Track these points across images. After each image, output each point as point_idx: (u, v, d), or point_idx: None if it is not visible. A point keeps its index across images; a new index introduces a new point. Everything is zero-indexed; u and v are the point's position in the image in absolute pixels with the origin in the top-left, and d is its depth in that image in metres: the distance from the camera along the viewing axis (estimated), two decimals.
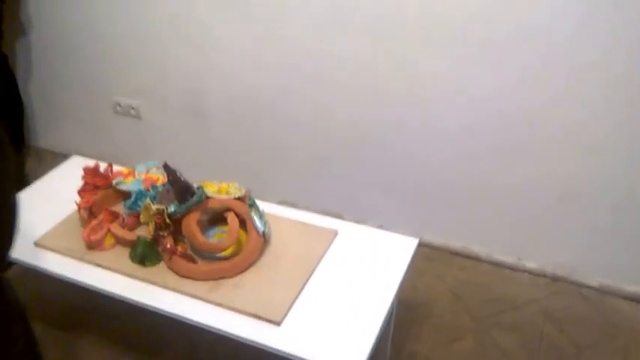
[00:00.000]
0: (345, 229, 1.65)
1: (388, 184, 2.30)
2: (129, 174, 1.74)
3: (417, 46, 1.96)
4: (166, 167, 1.49)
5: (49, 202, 1.74)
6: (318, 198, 2.48)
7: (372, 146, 2.24)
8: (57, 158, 3.06)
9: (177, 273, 1.47)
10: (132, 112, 2.70)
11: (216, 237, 1.58)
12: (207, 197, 1.52)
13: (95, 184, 1.67)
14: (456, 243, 2.32)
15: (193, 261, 1.48)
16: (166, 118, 2.62)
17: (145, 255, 1.49)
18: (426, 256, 2.32)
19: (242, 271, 1.48)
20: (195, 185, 1.55)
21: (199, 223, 1.52)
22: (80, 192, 1.66)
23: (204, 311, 1.39)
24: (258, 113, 2.39)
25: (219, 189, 1.58)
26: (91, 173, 1.66)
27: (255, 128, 2.43)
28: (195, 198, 1.47)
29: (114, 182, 1.70)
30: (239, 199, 1.56)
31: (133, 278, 1.48)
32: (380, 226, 1.93)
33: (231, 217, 1.49)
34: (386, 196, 2.33)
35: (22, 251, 1.57)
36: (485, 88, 1.94)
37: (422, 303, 2.14)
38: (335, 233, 1.62)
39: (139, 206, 1.58)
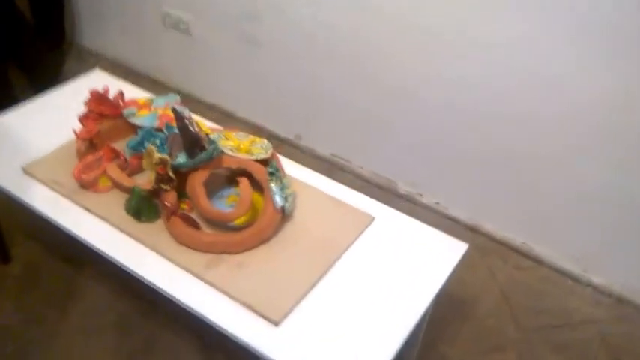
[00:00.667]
0: (385, 215, 1.34)
1: (452, 158, 1.95)
2: (144, 106, 1.48)
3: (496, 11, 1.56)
4: (175, 111, 1.22)
5: (52, 120, 1.52)
6: (373, 159, 2.17)
7: (439, 114, 1.89)
8: (101, 61, 2.87)
9: (174, 237, 1.23)
10: (181, 26, 2.41)
11: (230, 200, 1.32)
12: (221, 154, 1.25)
13: (101, 112, 1.41)
14: (516, 238, 1.98)
15: (195, 226, 1.23)
16: (217, 40, 2.32)
17: (141, 209, 1.25)
18: (481, 247, 1.99)
19: (249, 248, 1.22)
20: (211, 137, 1.28)
21: (213, 179, 1.26)
22: (82, 119, 1.41)
23: (193, 291, 1.14)
24: (317, 54, 2.06)
25: (239, 145, 1.30)
26: (96, 99, 1.40)
27: (311, 70, 2.11)
28: (203, 154, 1.20)
29: (125, 113, 1.45)
30: (262, 161, 1.28)
31: (123, 233, 1.25)
32: (436, 204, 1.61)
33: (243, 185, 1.21)
34: (447, 170, 1.99)
35: (7, 176, 1.37)
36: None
37: (465, 299, 1.84)
38: (371, 219, 1.33)
39: (145, 148, 1.33)
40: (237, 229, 1.24)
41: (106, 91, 1.42)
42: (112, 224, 1.26)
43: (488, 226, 2.01)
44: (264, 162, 1.29)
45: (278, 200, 1.21)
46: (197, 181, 1.22)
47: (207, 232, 1.22)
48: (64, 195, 1.32)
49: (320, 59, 2.06)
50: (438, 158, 1.98)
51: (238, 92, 2.40)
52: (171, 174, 1.22)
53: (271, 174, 1.23)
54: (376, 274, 1.21)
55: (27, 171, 1.38)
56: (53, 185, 1.34)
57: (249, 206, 1.20)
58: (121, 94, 1.44)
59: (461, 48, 1.72)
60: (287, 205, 1.25)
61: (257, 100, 2.36)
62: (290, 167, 1.44)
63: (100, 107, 1.40)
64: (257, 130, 2.40)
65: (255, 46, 2.21)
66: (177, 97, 1.52)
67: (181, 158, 1.23)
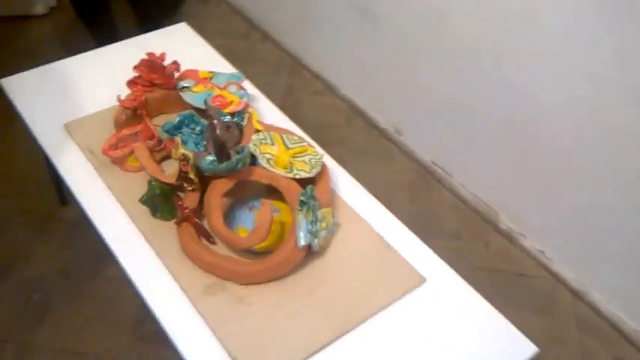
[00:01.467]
0: (444, 280, 1.06)
1: (576, 205, 1.58)
2: (203, 80, 1.30)
3: None
4: (208, 106, 1.02)
5: (113, 75, 1.39)
6: (477, 179, 1.84)
7: (572, 147, 1.51)
8: (221, 5, 2.75)
9: (181, 246, 1.05)
10: None
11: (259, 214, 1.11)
12: (249, 165, 1.03)
13: (152, 80, 1.25)
14: (629, 321, 1.57)
15: (208, 239, 1.05)
16: (334, 8, 2.08)
17: (156, 205, 1.08)
18: (581, 320, 1.61)
19: (258, 282, 1.01)
20: (252, 141, 1.07)
21: (248, 184, 1.06)
22: (130, 83, 1.26)
23: (180, 318, 0.97)
24: (430, 42, 1.74)
25: (280, 155, 1.07)
26: (147, 65, 1.24)
27: (422, 59, 1.80)
28: (224, 165, 0.99)
29: (179, 85, 1.28)
30: (304, 180, 1.05)
31: (133, 224, 1.10)
32: (540, 251, 1.28)
33: (264, 209, 0.99)
34: (565, 216, 1.62)
35: (47, 130, 1.27)
36: None
37: None
38: (421, 280, 1.06)
39: (181, 133, 1.16)
40: (256, 253, 1.04)
41: (162, 57, 1.25)
42: (126, 211, 1.12)
43: (597, 296, 1.61)
44: (308, 181, 1.06)
45: (302, 237, 0.98)
46: (216, 192, 1.02)
47: (212, 251, 1.03)
48: (93, 164, 1.20)
49: (432, 49, 1.74)
50: (557, 200, 1.61)
51: (346, 67, 2.15)
52: (192, 175, 1.04)
53: (302, 203, 0.99)
54: (408, 354, 0.95)
55: (67, 129, 1.27)
56: (86, 152, 1.22)
57: (265, 235, 0.99)
58: (176, 64, 1.27)
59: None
60: (315, 242, 1.02)
61: (363, 79, 2.10)
62: (346, 189, 1.19)
63: (151, 75, 1.24)
64: (357, 113, 2.15)
65: (369, 22, 1.94)
66: (241, 78, 1.32)
67: (208, 160, 1.03)
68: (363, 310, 1.00)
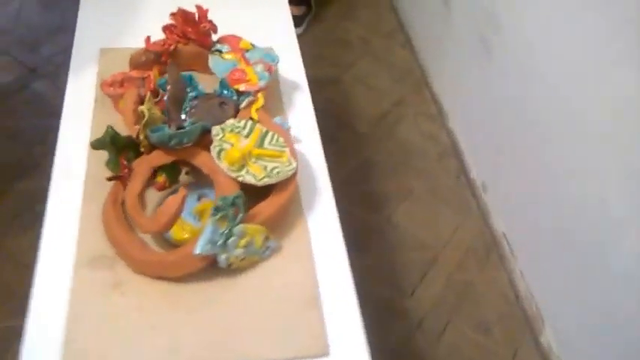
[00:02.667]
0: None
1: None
2: (238, 50, 1.20)
3: None
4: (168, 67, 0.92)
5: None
6: (537, 274, 1.52)
7: None
8: None
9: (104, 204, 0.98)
10: None
11: (203, 206, 0.99)
12: (192, 145, 0.91)
13: (186, 33, 1.19)
14: None
15: (139, 217, 0.96)
16: (467, 34, 1.84)
17: (109, 154, 1.02)
18: None
19: (147, 275, 0.90)
20: (203, 123, 0.95)
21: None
22: (165, 28, 1.20)
23: (44, 272, 0.90)
24: (540, 96, 1.45)
25: (235, 149, 0.94)
26: (183, 16, 1.17)
27: (531, 112, 1.51)
28: (156, 135, 0.89)
29: (213, 46, 1.19)
30: (256, 188, 0.91)
31: (85, 160, 1.04)
32: None
33: (173, 199, 0.87)
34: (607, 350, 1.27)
35: (83, 50, 1.27)
36: None
37: None
38: (323, 352, 0.86)
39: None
40: (175, 245, 0.93)
41: (203, 12, 1.17)
42: (89, 151, 1.06)
43: None
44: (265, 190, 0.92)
45: (199, 245, 0.84)
46: (144, 162, 0.92)
47: (123, 223, 0.93)
48: (95, 96, 1.17)
49: (540, 105, 1.44)
50: (618, 340, 1.25)
51: (464, 101, 1.91)
52: (141, 136, 0.95)
53: (217, 209, 0.85)
54: None
55: (101, 54, 1.26)
56: (99, 81, 1.20)
57: (164, 225, 0.87)
58: (212, 24, 1.18)
59: None
60: (223, 257, 0.87)
61: (475, 122, 1.84)
62: (320, 223, 1.02)
63: (185, 27, 1.18)
64: (453, 153, 1.90)
65: (485, 49, 1.67)
66: (275, 59, 1.19)
67: (161, 126, 0.94)
68: (239, 354, 0.85)
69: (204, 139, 0.97)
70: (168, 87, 0.93)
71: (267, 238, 0.93)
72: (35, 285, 0.90)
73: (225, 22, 1.32)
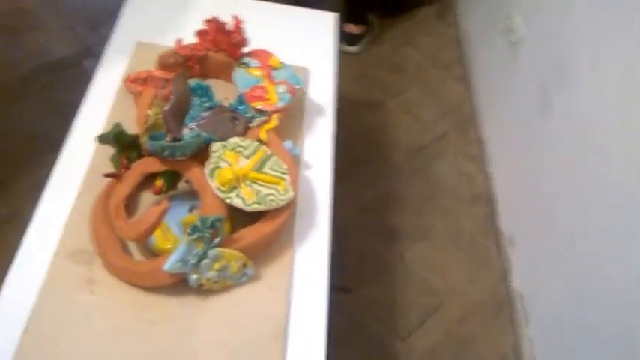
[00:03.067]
0: None
1: None
2: (266, 66, 1.18)
3: None
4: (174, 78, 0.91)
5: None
6: (550, 345, 1.43)
7: None
8: (451, 28, 2.51)
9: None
10: (512, 37, 1.90)
11: (190, 219, 0.98)
12: (188, 159, 0.90)
13: (217, 42, 1.18)
14: None
15: (119, 220, 0.95)
16: (524, 77, 1.76)
17: (114, 150, 1.02)
18: None
19: (120, 279, 0.89)
20: (202, 136, 0.94)
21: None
22: (199, 33, 1.20)
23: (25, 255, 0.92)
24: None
25: (230, 170, 0.92)
26: (216, 25, 1.17)
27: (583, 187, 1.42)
28: (150, 143, 0.88)
29: (241, 59, 1.19)
30: (245, 213, 0.89)
31: (91, 152, 1.06)
32: None
33: (154, 210, 0.86)
34: None
35: (121, 41, 1.29)
36: None
37: None
38: None
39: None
40: (156, 253, 0.93)
41: (237, 23, 1.17)
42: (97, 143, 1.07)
43: None
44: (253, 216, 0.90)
45: (169, 261, 0.83)
46: (138, 168, 0.92)
47: (107, 222, 0.93)
48: (118, 90, 1.19)
49: (593, 174, 1.35)
50: None
51: (509, 147, 1.83)
52: (143, 139, 0.95)
53: (194, 229, 0.84)
54: None
55: (136, 47, 1.28)
56: (131, 69, 1.21)
57: (141, 233, 0.86)
58: (242, 37, 1.17)
59: None
60: (194, 277, 0.86)
61: (517, 173, 1.76)
62: (305, 256, 1.00)
63: (218, 36, 1.17)
64: (486, 199, 1.82)
65: (544, 101, 1.59)
66: (300, 83, 1.17)
67: (152, 136, 0.93)
68: None
69: (203, 153, 0.96)
70: (171, 97, 0.93)
71: (244, 265, 0.91)
72: (13, 267, 0.91)
73: (265, 35, 1.31)
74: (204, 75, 1.24)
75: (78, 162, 1.05)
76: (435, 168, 1.88)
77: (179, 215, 0.97)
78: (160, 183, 1.00)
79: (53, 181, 1.03)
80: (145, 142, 0.91)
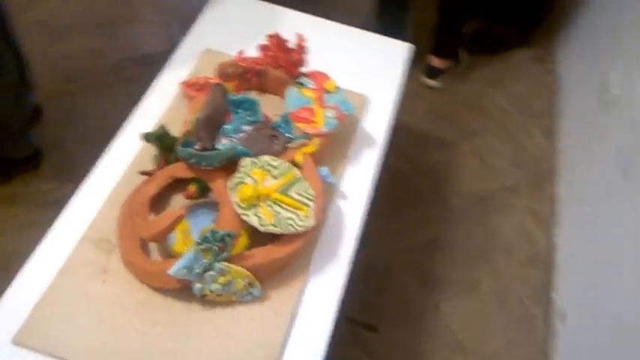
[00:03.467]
0: None
1: None
2: (319, 89, 1.17)
3: None
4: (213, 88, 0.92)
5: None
6: None
7: None
8: (548, 77, 2.36)
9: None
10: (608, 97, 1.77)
11: (180, 228, 0.96)
12: (213, 170, 0.91)
13: (277, 58, 1.19)
14: None
15: (139, 218, 0.97)
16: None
17: (157, 154, 1.05)
18: None
19: (132, 273, 0.92)
20: (233, 148, 0.94)
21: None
22: (261, 47, 1.21)
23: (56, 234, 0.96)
24: None
25: (253, 187, 0.91)
26: (277, 41, 1.17)
27: None
28: (180, 149, 0.89)
29: (297, 79, 1.18)
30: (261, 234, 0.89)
31: (137, 147, 1.10)
32: None
33: (169, 214, 0.86)
34: None
35: (191, 45, 1.33)
36: None
37: None
38: None
39: (235, 112, 1.08)
40: (173, 256, 0.94)
41: (300, 41, 1.17)
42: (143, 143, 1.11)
43: None
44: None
45: (175, 266, 0.84)
46: (167, 171, 0.94)
47: (136, 215, 0.95)
48: (176, 93, 1.22)
49: None
50: None
51: (581, 199, 1.70)
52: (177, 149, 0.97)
53: (204, 239, 0.84)
54: None
55: (206, 52, 1.31)
56: (187, 79, 1.25)
57: (151, 236, 0.87)
58: (301, 56, 1.17)
59: None
60: (198, 286, 0.86)
61: (585, 225, 1.62)
62: (318, 291, 0.97)
63: (278, 52, 1.18)
64: (546, 265, 1.69)
65: (628, 171, 1.46)
66: (351, 110, 1.15)
67: (184, 144, 0.94)
68: None
69: (233, 166, 0.96)
70: (206, 106, 0.94)
71: (250, 284, 0.90)
72: (41, 245, 0.96)
73: (331, 57, 1.32)
74: (261, 89, 1.25)
75: (123, 156, 1.09)
76: (496, 220, 1.78)
77: (203, 223, 0.98)
78: (192, 188, 1.02)
79: (97, 171, 1.07)
80: (178, 147, 0.92)
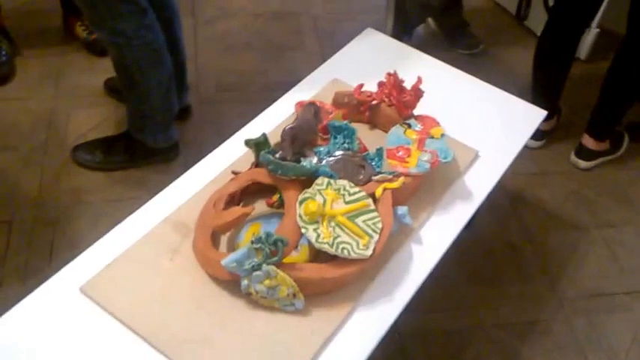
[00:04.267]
0: None
1: None
2: (424, 132, 1.17)
3: None
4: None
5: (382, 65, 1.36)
6: None
7: None
8: None
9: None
10: None
11: (252, 230, 1.03)
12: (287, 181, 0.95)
13: (390, 96, 1.21)
14: None
15: (213, 209, 1.04)
16: None
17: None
18: None
19: (196, 254, 1.00)
20: (318, 167, 0.98)
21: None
22: (379, 84, 1.24)
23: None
24: None
25: (322, 208, 0.94)
26: (394, 80, 1.19)
27: None
28: (262, 154, 0.95)
29: (408, 119, 1.20)
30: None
31: (241, 151, 1.19)
32: None
33: (235, 210, 0.92)
34: None
35: (323, 72, 1.42)
36: None
37: None
38: None
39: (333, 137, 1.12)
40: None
41: (414, 86, 1.18)
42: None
43: None
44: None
45: (228, 259, 0.89)
46: (248, 174, 1.00)
47: (208, 211, 1.02)
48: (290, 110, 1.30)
49: None
50: None
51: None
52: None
53: (257, 240, 0.88)
54: None
55: (330, 82, 1.39)
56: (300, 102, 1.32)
57: (218, 226, 0.94)
58: (412, 97, 1.18)
59: None
60: (245, 282, 0.91)
61: None
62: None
63: (392, 90, 1.20)
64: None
65: None
66: (448, 159, 1.13)
67: (267, 152, 1.00)
68: None
69: (311, 182, 1.01)
70: (294, 121, 1.00)
71: (294, 295, 0.93)
72: (130, 217, 1.08)
73: (458, 107, 1.34)
74: (372, 123, 1.29)
75: (227, 158, 1.20)
76: (607, 322, 1.59)
77: (272, 227, 1.03)
78: (274, 197, 1.09)
79: (200, 166, 1.18)
80: (262, 153, 0.99)
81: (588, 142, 2.01)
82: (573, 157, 2.03)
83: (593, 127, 2.00)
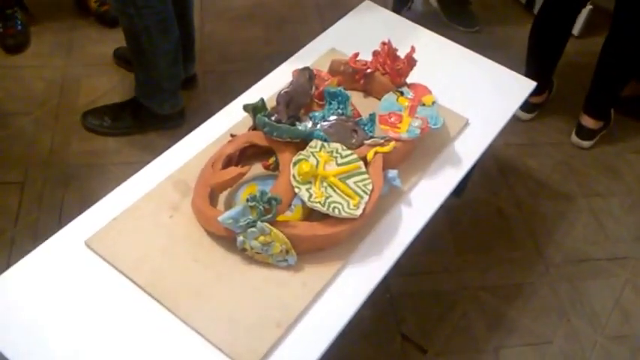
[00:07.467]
0: None
1: None
2: (416, 99, 1.22)
3: None
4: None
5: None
6: None
7: None
8: None
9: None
10: None
11: (248, 190, 1.08)
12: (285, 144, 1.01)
13: (384, 65, 1.26)
14: None
15: (212, 168, 1.09)
16: None
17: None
18: None
19: (194, 208, 1.06)
20: (310, 128, 1.03)
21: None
22: (374, 53, 1.28)
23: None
24: None
25: (314, 169, 1.00)
26: (387, 49, 1.24)
27: None
28: (259, 116, 1.00)
29: (399, 88, 1.24)
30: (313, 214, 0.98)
31: (241, 117, 1.24)
32: None
33: (231, 169, 0.98)
34: None
35: (319, 43, 1.46)
36: None
37: None
38: None
39: (328, 102, 1.17)
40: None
41: (407, 55, 1.23)
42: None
43: None
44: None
45: (224, 215, 0.95)
46: (245, 136, 1.05)
47: (207, 171, 1.08)
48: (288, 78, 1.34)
49: None
50: None
51: None
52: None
53: (252, 198, 0.94)
54: None
55: (327, 52, 1.43)
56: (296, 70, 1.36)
57: (214, 185, 1.00)
58: (406, 66, 1.22)
59: None
60: (240, 239, 0.97)
61: None
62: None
63: (387, 59, 1.25)
64: (632, 334, 1.54)
65: None
66: (438, 127, 1.18)
67: (267, 115, 1.05)
68: (191, 316, 0.95)
69: (305, 144, 1.06)
70: (289, 85, 1.05)
71: (287, 251, 0.99)
72: (133, 177, 1.14)
73: (450, 77, 1.38)
74: (366, 91, 1.34)
75: (231, 119, 1.25)
76: (591, 286, 1.66)
77: (269, 188, 1.08)
78: (271, 160, 1.14)
79: (202, 128, 1.24)
80: (258, 116, 1.04)
81: (588, 122, 2.04)
82: (575, 138, 2.06)
83: (591, 107, 2.03)
